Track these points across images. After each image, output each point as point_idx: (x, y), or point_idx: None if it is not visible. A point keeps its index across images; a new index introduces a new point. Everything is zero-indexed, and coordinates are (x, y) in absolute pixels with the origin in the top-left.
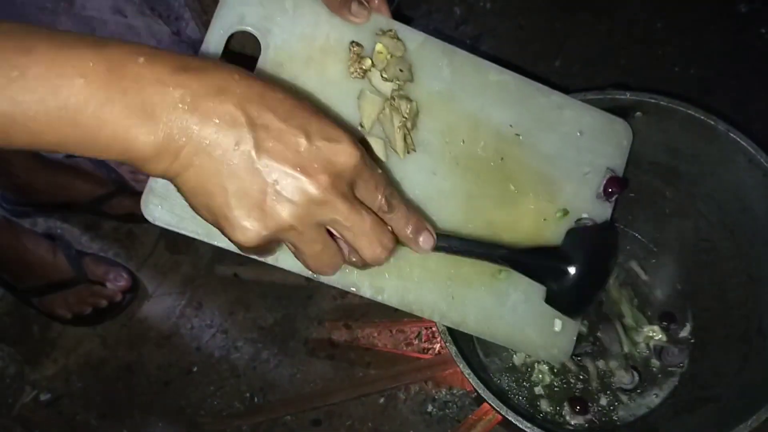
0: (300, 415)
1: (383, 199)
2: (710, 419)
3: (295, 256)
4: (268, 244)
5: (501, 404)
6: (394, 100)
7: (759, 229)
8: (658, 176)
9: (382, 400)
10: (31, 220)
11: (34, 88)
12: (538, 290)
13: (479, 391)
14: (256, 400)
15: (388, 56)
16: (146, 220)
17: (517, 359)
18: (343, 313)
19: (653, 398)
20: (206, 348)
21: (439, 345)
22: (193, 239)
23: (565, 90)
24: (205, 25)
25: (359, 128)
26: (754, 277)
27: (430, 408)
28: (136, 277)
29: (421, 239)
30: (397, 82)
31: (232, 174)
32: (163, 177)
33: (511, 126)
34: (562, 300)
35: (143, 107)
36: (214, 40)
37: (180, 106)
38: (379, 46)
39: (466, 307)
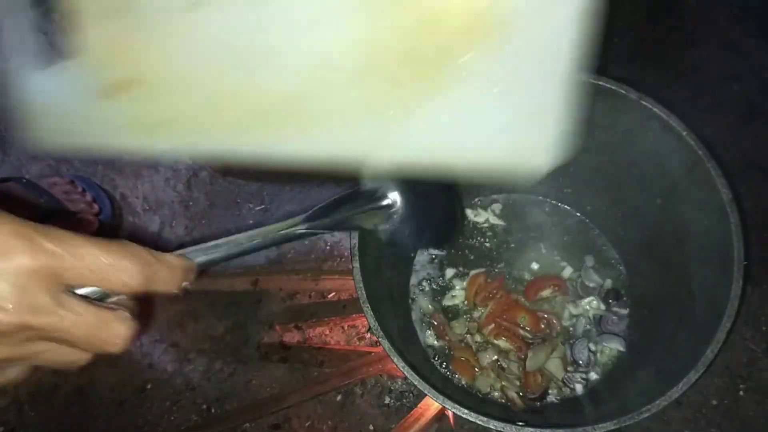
0: (259, 421)
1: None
2: (649, 384)
3: None
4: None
5: (438, 394)
6: None
7: (679, 191)
8: (581, 150)
9: (339, 397)
10: None
11: None
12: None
13: (416, 383)
14: (213, 411)
15: None
16: None
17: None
18: (293, 315)
19: (598, 370)
20: (158, 364)
21: None
22: None
23: None
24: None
25: None
26: (680, 239)
27: (387, 400)
28: None
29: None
30: None
31: None
32: None
33: None
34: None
35: None
36: None
37: None
38: None
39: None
